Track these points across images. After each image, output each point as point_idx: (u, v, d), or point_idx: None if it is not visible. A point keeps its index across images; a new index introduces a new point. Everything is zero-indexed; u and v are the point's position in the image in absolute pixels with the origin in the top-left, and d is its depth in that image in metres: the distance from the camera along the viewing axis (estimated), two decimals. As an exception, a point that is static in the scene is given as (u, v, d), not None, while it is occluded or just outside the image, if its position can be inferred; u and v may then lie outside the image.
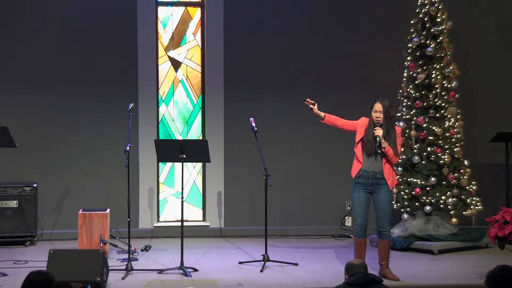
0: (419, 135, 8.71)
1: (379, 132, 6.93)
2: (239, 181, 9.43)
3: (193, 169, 9.55)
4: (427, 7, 8.77)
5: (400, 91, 8.98)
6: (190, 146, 7.51)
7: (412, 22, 8.89)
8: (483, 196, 8.91)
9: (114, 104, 9.15)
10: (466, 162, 8.76)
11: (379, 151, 6.96)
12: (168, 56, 9.53)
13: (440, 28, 8.74)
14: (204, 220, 9.54)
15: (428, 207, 8.63)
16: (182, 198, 7.48)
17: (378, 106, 7.00)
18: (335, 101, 9.09)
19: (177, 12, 9.58)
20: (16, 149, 8.00)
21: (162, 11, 9.53)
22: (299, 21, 9.54)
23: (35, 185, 8.74)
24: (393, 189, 7.24)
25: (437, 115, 8.72)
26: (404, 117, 8.83)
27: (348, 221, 9.37)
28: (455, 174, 8.65)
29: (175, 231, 8.34)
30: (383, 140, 6.92)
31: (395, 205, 8.62)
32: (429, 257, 8.20)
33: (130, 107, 7.64)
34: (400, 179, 8.72)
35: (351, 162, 7.13)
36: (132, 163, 7.89)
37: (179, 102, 9.56)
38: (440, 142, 8.67)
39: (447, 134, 8.70)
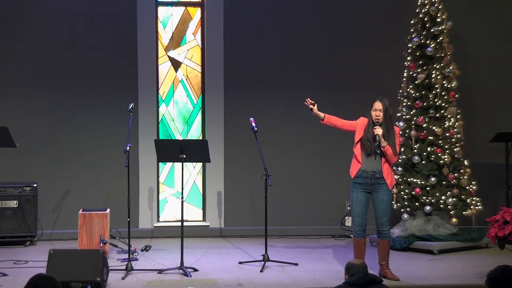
0: (419, 135, 8.70)
1: (378, 131, 6.92)
2: (239, 181, 9.43)
3: (193, 169, 9.55)
4: (427, 7, 8.77)
5: (400, 91, 8.98)
6: (190, 146, 7.51)
7: (412, 22, 8.88)
8: (483, 196, 8.91)
9: (114, 104, 9.15)
10: (466, 162, 8.76)
11: (378, 151, 6.95)
12: (168, 56, 9.53)
13: (440, 28, 8.74)
14: (204, 220, 9.54)
15: (428, 207, 8.63)
16: (182, 198, 7.47)
17: (378, 105, 6.99)
18: (335, 101, 9.10)
19: (177, 12, 9.58)
20: (16, 149, 8.00)
21: (162, 11, 9.54)
22: (299, 21, 9.54)
23: (35, 185, 8.74)
24: (393, 189, 7.23)
25: (437, 115, 8.72)
26: (404, 117, 8.83)
27: (348, 221, 9.36)
28: (455, 174, 8.65)
29: (175, 231, 8.34)
30: (382, 139, 6.92)
31: (395, 205, 8.62)
32: (429, 257, 8.19)
33: (130, 107, 7.64)
34: (400, 179, 8.72)
35: (351, 162, 7.13)
36: (132, 163, 7.89)
37: (179, 102, 9.56)
38: (440, 142, 8.67)
39: (447, 134, 8.70)
